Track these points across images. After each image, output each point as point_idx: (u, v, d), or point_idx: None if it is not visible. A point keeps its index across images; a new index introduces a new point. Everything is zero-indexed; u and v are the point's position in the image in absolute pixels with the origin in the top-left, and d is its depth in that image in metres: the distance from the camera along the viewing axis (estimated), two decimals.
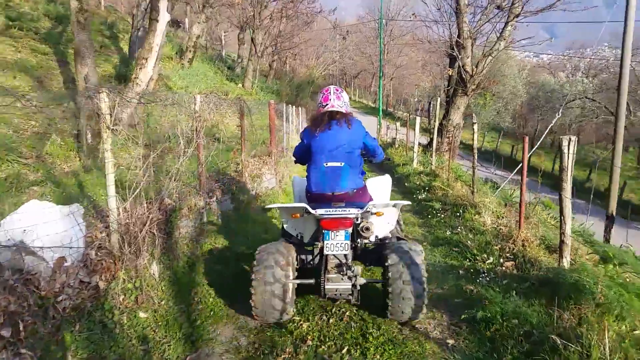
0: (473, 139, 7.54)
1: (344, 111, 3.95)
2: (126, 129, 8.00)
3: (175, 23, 31.62)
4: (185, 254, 4.87)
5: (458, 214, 7.12)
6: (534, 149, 10.14)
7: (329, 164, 3.76)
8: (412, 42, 51.55)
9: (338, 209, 3.58)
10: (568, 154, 4.58)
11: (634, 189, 28.17)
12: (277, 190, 8.70)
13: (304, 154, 4.06)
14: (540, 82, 42.28)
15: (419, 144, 17.42)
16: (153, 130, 6.82)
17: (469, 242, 5.82)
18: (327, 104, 3.91)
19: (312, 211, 3.59)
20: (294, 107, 14.72)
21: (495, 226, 6.36)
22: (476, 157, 7.59)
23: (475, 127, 7.51)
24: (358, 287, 3.64)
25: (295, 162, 4.38)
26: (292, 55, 30.98)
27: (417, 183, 10.17)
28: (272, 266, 3.55)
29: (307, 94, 22.77)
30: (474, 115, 7.07)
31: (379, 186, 4.44)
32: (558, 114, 11.07)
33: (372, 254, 4.03)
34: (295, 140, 15.50)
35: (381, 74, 24.99)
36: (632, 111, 34.39)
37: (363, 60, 53.66)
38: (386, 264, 3.58)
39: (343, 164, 3.76)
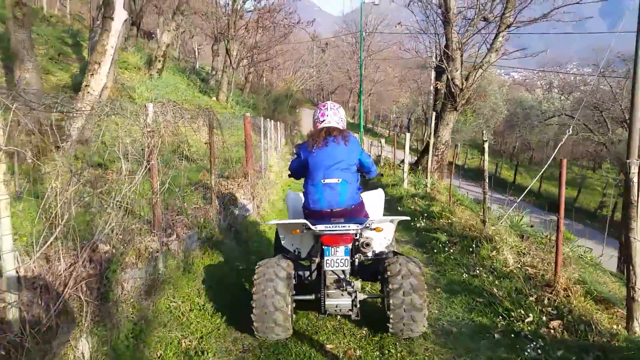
0: (483, 159, 6.46)
1: (341, 127, 3.99)
2: (74, 146, 6.70)
3: (147, 34, 30.25)
4: (130, 319, 3.58)
5: (470, 249, 5.97)
6: (539, 173, 9.16)
7: (327, 180, 3.77)
8: (390, 57, 51.43)
9: (338, 225, 3.55)
10: (639, 182, 3.49)
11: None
12: (254, 217, 7.44)
13: (299, 169, 4.09)
14: (518, 99, 42.23)
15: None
16: (106, 148, 5.50)
17: (494, 289, 4.67)
18: (324, 120, 3.97)
19: (313, 227, 3.55)
20: (272, 121, 13.52)
21: (519, 266, 5.24)
22: (487, 181, 6.50)
23: (486, 145, 6.44)
24: (358, 303, 3.63)
25: (290, 176, 4.40)
26: (269, 68, 29.88)
27: (413, 208, 9.04)
28: (272, 279, 3.47)
29: (285, 108, 21.59)
30: (484, 132, 5.91)
31: (373, 200, 4.38)
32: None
33: (369, 269, 3.99)
34: (275, 158, 14.35)
35: (361, 89, 24.02)
36: (610, 128, 34.46)
37: (340, 75, 53.07)
38: (386, 277, 3.54)
39: (341, 180, 3.77)
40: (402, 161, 15.94)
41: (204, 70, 31.44)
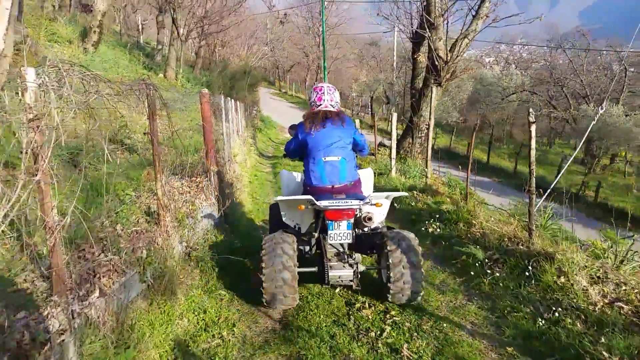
0: (530, 146, 4.84)
1: (336, 110, 4.12)
2: None
3: (84, 6, 26.94)
4: None
5: (525, 272, 4.37)
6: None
7: (328, 158, 3.94)
8: (347, 33, 49.74)
9: (341, 201, 3.70)
10: None
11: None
12: (224, 228, 5.57)
13: (296, 150, 4.22)
14: (477, 75, 41.46)
15: (383, 145, 14.80)
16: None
17: (602, 350, 3.06)
18: (321, 104, 4.10)
19: (317, 203, 3.67)
20: (232, 101, 11.48)
21: (607, 301, 3.69)
22: (533, 177, 4.89)
23: (533, 129, 4.81)
24: (359, 274, 3.89)
25: (285, 156, 4.51)
26: (221, 43, 27.33)
27: (414, 205, 7.39)
28: (280, 255, 3.67)
29: (244, 86, 19.38)
30: (530, 110, 4.18)
31: (365, 178, 4.41)
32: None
33: (367, 243, 4.14)
34: (238, 145, 12.34)
35: (325, 63, 22.07)
36: (572, 104, 34.23)
37: (296, 52, 50.74)
38: (386, 251, 3.78)
39: (340, 157, 3.95)
40: (381, 144, 14.31)
41: (149, 46, 28.43)
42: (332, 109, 4.08)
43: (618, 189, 24.59)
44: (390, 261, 3.70)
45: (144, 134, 4.46)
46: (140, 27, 31.16)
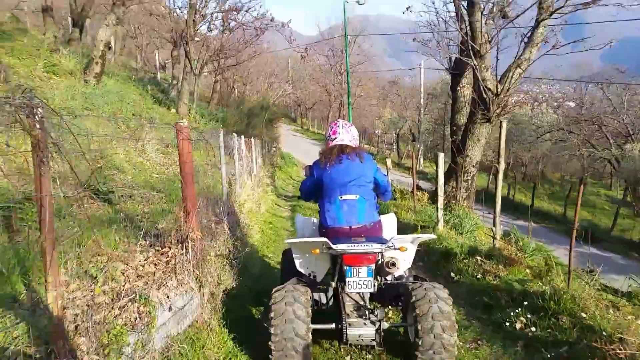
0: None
1: (354, 145, 3.89)
2: None
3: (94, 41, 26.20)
4: None
5: None
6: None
7: (345, 197, 3.66)
8: (369, 71, 48.75)
9: (361, 244, 3.36)
10: None
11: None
12: (208, 338, 3.60)
13: (312, 189, 3.99)
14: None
15: (420, 189, 12.78)
16: None
17: None
18: (335, 138, 3.89)
19: (334, 246, 3.32)
20: (242, 137, 9.73)
21: None
22: None
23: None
24: (382, 332, 3.41)
25: (299, 197, 4.26)
26: (241, 79, 26.09)
27: (486, 281, 5.33)
28: (292, 303, 3.22)
29: (262, 122, 17.75)
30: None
31: (387, 223, 4.03)
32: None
33: (389, 293, 3.73)
34: (249, 187, 10.45)
35: (349, 97, 20.40)
36: (614, 144, 31.79)
37: (318, 90, 49.95)
38: (413, 302, 3.29)
39: (359, 196, 3.67)
40: (419, 188, 12.28)
41: (166, 82, 27.48)
42: (349, 143, 3.87)
43: None
44: (417, 320, 3.24)
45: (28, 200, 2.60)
46: (158, 64, 30.39)
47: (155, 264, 3.60)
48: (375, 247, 3.35)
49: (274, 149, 20.09)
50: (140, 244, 4.00)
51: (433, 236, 3.98)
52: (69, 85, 12.88)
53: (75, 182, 6.62)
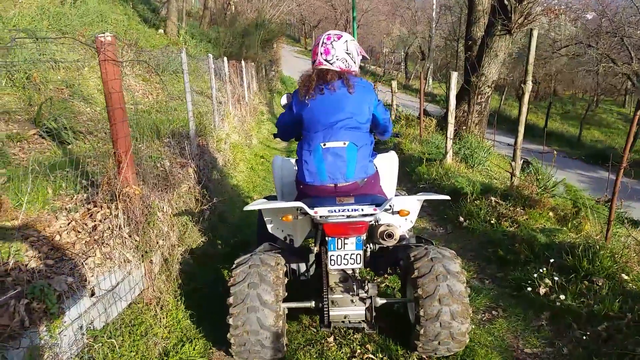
0: None
1: (339, 69, 2.80)
2: None
3: None
4: None
5: None
6: None
7: (328, 144, 2.74)
8: None
9: (348, 208, 2.54)
10: None
11: None
12: (155, 320, 2.86)
13: (289, 127, 3.04)
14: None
15: (427, 114, 11.67)
16: None
17: None
18: (314, 60, 2.87)
19: (312, 212, 2.52)
20: (226, 60, 8.59)
21: None
22: None
23: None
24: (374, 311, 2.70)
25: (275, 136, 3.31)
26: None
27: (502, 227, 4.51)
28: (257, 284, 2.50)
29: (256, 43, 16.27)
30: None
31: (385, 169, 3.16)
32: None
33: (384, 258, 3.00)
34: (235, 117, 9.35)
35: (354, 14, 18.62)
36: (635, 58, 29.69)
37: (324, 6, 46.97)
38: (415, 277, 2.54)
39: (347, 143, 2.74)
40: (426, 114, 11.17)
41: (158, 0, 25.50)
42: (329, 66, 2.79)
43: None
44: (419, 292, 2.49)
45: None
46: None
47: (78, 231, 2.80)
48: (367, 211, 2.54)
49: (273, 72, 18.72)
50: (76, 199, 3.21)
51: (446, 197, 2.81)
52: (39, 6, 11.59)
53: (27, 117, 5.72)
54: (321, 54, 2.82)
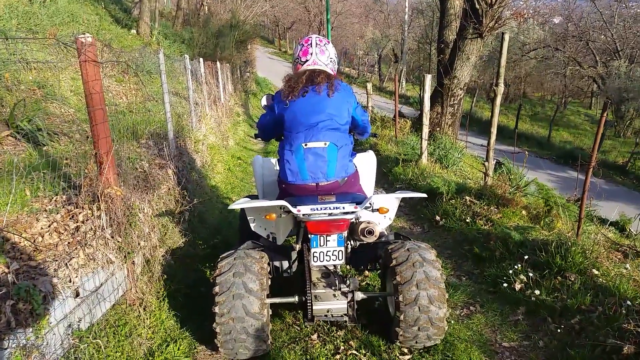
0: None
1: (331, 71, 2.97)
2: None
3: None
4: None
5: None
6: None
7: (310, 144, 2.82)
8: None
9: (329, 206, 2.66)
10: None
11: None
12: (139, 320, 2.84)
13: (271, 128, 3.11)
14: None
15: (402, 116, 11.86)
16: None
17: None
18: (307, 60, 2.94)
19: (294, 211, 2.62)
20: (202, 60, 8.54)
21: None
22: None
23: None
24: (355, 305, 2.81)
25: (257, 136, 3.36)
26: None
27: (477, 226, 4.63)
28: (242, 273, 2.57)
29: (231, 44, 16.21)
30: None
31: (364, 168, 3.30)
32: None
33: (365, 256, 3.12)
34: (211, 118, 9.29)
35: (329, 16, 18.75)
36: (600, 61, 30.78)
37: (297, 8, 47.01)
38: (393, 266, 2.68)
39: (328, 143, 2.83)
40: (401, 115, 11.34)
41: (130, 0, 25.09)
42: (324, 67, 2.93)
43: None
44: (399, 284, 2.61)
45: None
46: None
47: (60, 232, 2.77)
48: (348, 209, 2.66)
49: (248, 73, 18.66)
50: (56, 200, 3.17)
51: (424, 195, 3.01)
52: (8, 4, 11.29)
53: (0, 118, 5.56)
54: (316, 54, 2.93)
